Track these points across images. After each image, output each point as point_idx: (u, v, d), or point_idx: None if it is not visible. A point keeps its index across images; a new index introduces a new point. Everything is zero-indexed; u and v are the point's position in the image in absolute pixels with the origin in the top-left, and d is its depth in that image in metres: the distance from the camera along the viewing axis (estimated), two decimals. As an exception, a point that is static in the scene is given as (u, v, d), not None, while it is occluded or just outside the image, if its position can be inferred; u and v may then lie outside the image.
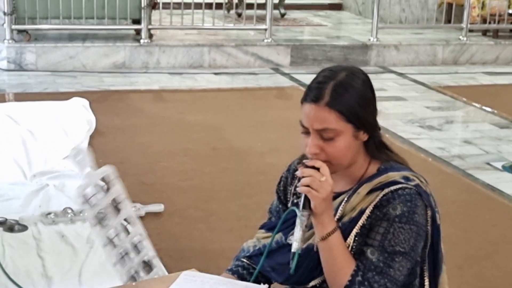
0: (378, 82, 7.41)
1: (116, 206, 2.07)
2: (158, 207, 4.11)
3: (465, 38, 8.84)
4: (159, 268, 2.15)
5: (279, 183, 2.21)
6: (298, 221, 1.92)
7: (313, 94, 1.96)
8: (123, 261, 2.06)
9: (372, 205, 1.96)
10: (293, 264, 1.89)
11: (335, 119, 1.93)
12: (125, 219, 2.08)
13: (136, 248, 2.09)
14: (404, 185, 1.96)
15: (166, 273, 2.15)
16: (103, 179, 2.07)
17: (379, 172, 2.01)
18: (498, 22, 9.13)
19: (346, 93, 1.94)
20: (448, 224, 4.05)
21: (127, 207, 2.09)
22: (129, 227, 2.09)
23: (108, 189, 2.07)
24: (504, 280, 3.55)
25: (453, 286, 3.31)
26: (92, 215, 2.03)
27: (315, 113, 1.93)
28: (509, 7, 9.27)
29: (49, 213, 3.90)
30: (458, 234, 4.00)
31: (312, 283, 2.02)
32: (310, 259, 2.00)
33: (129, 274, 2.07)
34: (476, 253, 3.81)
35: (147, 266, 2.11)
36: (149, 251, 2.12)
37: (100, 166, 4.94)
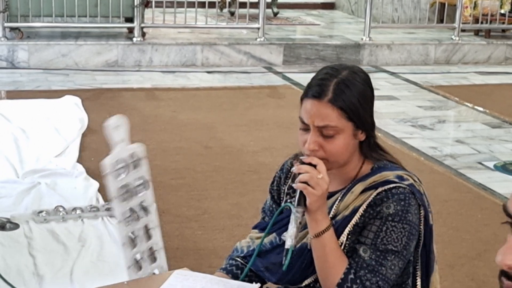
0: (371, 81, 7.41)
1: (138, 186, 2.07)
2: (150, 206, 4.10)
3: (457, 38, 8.86)
4: (163, 262, 2.15)
5: (273, 182, 2.20)
6: (292, 217, 1.91)
7: (315, 90, 1.95)
8: (132, 243, 2.06)
9: (366, 203, 1.96)
10: (286, 261, 1.89)
11: (337, 116, 1.92)
12: (142, 202, 2.09)
13: (148, 234, 2.10)
14: (398, 184, 1.96)
15: (167, 269, 2.15)
16: (132, 156, 2.07)
17: (373, 171, 2.01)
18: (490, 22, 9.15)
19: (349, 90, 1.94)
20: (440, 223, 4.06)
21: (148, 190, 2.09)
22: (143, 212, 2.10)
23: (135, 166, 2.07)
24: (495, 279, 3.54)
25: (445, 285, 3.32)
26: (115, 187, 2.02)
27: (317, 109, 1.93)
28: (501, 7, 9.29)
29: (41, 211, 3.88)
30: (450, 233, 4.01)
31: (305, 282, 2.02)
32: (304, 258, 2.00)
33: (135, 259, 2.07)
34: (468, 252, 3.81)
35: (153, 255, 2.12)
36: (158, 241, 2.13)
37: (93, 164, 4.91)
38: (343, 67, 2.00)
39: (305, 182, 1.89)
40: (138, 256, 2.07)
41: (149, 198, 2.11)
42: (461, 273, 3.60)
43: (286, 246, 1.89)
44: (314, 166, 1.91)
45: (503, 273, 1.13)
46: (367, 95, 1.99)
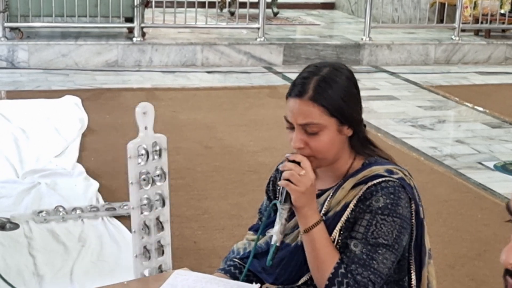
0: (371, 81, 7.40)
1: (157, 176, 2.09)
2: (150, 206, 4.10)
3: (457, 38, 8.86)
4: (169, 258, 2.16)
5: (268, 183, 2.22)
6: (278, 214, 1.93)
7: (297, 89, 1.98)
8: (143, 231, 2.07)
9: (356, 198, 1.97)
10: (269, 256, 1.91)
11: (318, 113, 1.94)
12: (159, 193, 2.11)
13: (159, 226, 2.12)
14: (387, 178, 1.97)
15: (171, 267, 2.16)
16: (154, 145, 2.10)
17: (364, 167, 2.02)
18: (490, 22, 9.15)
19: (330, 88, 1.96)
20: (440, 223, 4.06)
21: (166, 182, 2.10)
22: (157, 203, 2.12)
23: (155, 156, 2.09)
24: (495, 279, 3.56)
25: (445, 285, 3.33)
26: (134, 173, 2.04)
27: (299, 107, 1.95)
28: (501, 7, 9.29)
29: (41, 211, 3.88)
30: (450, 233, 4.00)
31: (302, 280, 2.02)
32: (299, 257, 2.01)
33: (144, 247, 2.09)
34: (468, 252, 3.81)
35: (161, 248, 2.14)
36: (167, 236, 2.14)
37: (93, 164, 4.90)
38: (325, 65, 2.03)
39: (288, 179, 1.91)
40: (148, 246, 2.09)
41: (166, 190, 2.12)
42: (461, 273, 3.59)
43: (272, 242, 1.92)
44: (299, 163, 1.92)
45: (508, 272, 1.14)
46: (350, 91, 2.00)
